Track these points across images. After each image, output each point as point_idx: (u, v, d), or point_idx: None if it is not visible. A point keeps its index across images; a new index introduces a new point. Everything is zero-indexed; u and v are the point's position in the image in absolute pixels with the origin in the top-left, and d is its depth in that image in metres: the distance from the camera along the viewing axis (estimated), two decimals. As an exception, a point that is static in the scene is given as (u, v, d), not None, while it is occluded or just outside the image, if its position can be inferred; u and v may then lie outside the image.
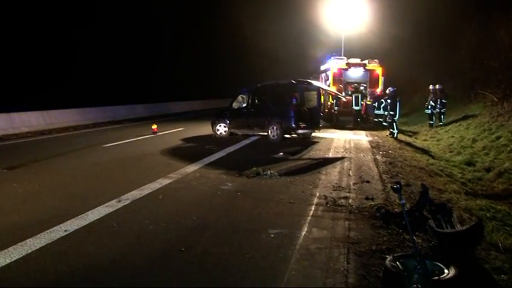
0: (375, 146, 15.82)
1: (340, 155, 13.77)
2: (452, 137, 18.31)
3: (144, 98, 33.55)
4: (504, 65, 19.91)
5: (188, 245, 5.83)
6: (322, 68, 28.66)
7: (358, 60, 24.83)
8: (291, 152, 14.36)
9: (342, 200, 8.12)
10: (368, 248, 5.71)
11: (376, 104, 22.01)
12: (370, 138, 18.40)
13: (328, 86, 24.28)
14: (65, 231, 6.31)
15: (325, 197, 8.29)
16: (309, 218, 7.10)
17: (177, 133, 20.08)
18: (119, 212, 7.33)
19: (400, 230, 6.36)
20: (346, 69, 24.60)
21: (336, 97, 23.36)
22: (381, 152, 14.28)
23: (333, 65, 24.79)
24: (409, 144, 17.56)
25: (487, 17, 22.38)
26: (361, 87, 24.00)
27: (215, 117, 19.07)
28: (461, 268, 4.66)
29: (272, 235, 6.26)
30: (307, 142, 17.21)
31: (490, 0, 22.66)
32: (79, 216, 6.99)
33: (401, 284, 4.23)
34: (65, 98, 29.90)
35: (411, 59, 33.52)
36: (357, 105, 23.11)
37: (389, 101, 19.54)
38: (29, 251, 5.56)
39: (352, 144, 16.50)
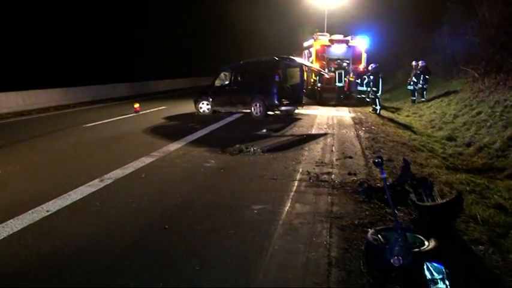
0: (357, 122, 15.90)
1: (323, 131, 13.83)
2: (434, 112, 18.47)
3: (126, 77, 33.09)
4: (485, 41, 20.02)
5: (172, 222, 5.84)
6: (305, 44, 28.53)
7: (341, 37, 24.74)
8: (274, 128, 14.39)
9: (325, 176, 8.18)
10: (350, 222, 5.78)
11: (359, 81, 22.05)
12: (353, 115, 18.48)
13: (311, 62, 24.22)
14: (47, 211, 6.25)
15: (308, 173, 8.35)
16: (292, 193, 7.15)
17: (160, 112, 19.91)
18: (102, 191, 7.28)
19: (382, 204, 6.45)
20: (329, 46, 24.50)
21: (319, 74, 23.32)
22: (363, 128, 14.37)
23: (316, 42, 24.69)
24: (391, 120, 17.69)
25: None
26: (344, 64, 24.01)
27: (198, 95, 18.91)
28: (441, 240, 4.76)
29: (255, 211, 6.30)
30: (290, 119, 17.24)
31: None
32: (61, 196, 6.92)
33: (382, 256, 4.29)
34: (44, 78, 29.34)
35: (394, 35, 33.55)
36: (340, 81, 23.13)
37: (371, 77, 19.60)
38: (11, 232, 5.51)
39: (335, 121, 16.57)
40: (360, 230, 5.51)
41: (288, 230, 5.57)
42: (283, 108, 17.57)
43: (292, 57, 19.03)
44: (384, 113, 19.49)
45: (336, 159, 9.62)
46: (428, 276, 4.01)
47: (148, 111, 20.06)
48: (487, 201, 7.18)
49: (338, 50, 24.53)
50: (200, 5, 63.85)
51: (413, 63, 22.45)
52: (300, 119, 17.25)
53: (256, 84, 17.31)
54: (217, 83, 18.54)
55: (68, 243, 5.15)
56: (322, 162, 9.35)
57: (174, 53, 56.32)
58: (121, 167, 8.74)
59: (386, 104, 22.85)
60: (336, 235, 5.37)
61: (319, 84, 24.03)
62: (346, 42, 24.40)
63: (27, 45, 39.57)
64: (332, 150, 10.67)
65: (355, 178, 7.92)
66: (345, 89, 23.56)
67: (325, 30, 30.11)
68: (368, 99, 20.67)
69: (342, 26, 32.67)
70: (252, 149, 10.56)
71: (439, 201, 5.96)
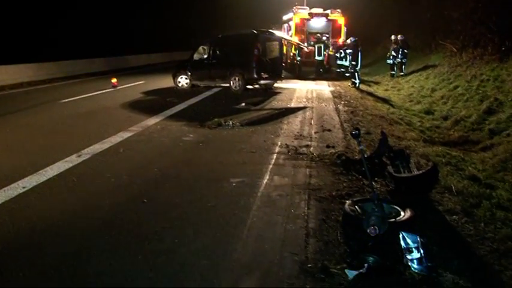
0: (336, 96, 15.95)
1: (302, 105, 13.86)
2: (413, 86, 18.64)
3: (103, 52, 32.39)
4: (464, 16, 20.13)
5: (150, 196, 5.82)
6: (285, 18, 28.33)
7: (320, 10, 24.60)
8: (253, 102, 14.37)
9: (304, 148, 8.23)
10: (328, 194, 5.84)
11: (338, 54, 22.02)
12: (332, 88, 18.50)
13: (291, 36, 24.08)
14: (23, 188, 6.15)
15: (287, 146, 8.39)
16: (271, 166, 7.19)
17: (138, 86, 19.62)
18: (79, 166, 7.20)
19: (360, 176, 6.53)
20: (308, 20, 24.36)
21: (298, 47, 23.22)
22: (342, 102, 14.42)
23: (295, 15, 24.52)
24: (370, 94, 17.79)
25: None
26: (324, 38, 23.89)
27: (176, 69, 18.62)
28: (417, 210, 4.85)
29: (234, 184, 6.32)
30: (270, 93, 17.22)
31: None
32: (38, 172, 6.81)
33: (359, 226, 4.36)
34: (16, 53, 28.37)
35: (374, 9, 33.49)
36: (319, 55, 23.06)
37: (351, 51, 19.59)
38: (-15, 209, 5.43)
39: (314, 94, 16.59)
40: (337, 201, 5.58)
41: (266, 202, 5.61)
42: (262, 82, 17.47)
43: (271, 31, 18.89)
44: (362, 86, 19.57)
45: (315, 132, 9.68)
46: (404, 245, 4.10)
47: (126, 86, 19.76)
48: (461, 172, 7.33)
49: (317, 24, 24.43)
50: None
51: (393, 37, 22.49)
52: (279, 92, 17.23)
53: (235, 58, 17.13)
54: (196, 57, 18.28)
55: (45, 219, 5.10)
56: (300, 135, 9.40)
57: (152, 28, 55.36)
58: (99, 142, 8.64)
59: (365, 78, 22.92)
60: (313, 207, 5.43)
61: (298, 58, 23.96)
62: (326, 16, 24.29)
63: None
64: (311, 124, 10.72)
65: (334, 151, 7.98)
66: (324, 63, 23.51)
67: (305, 3, 29.84)
68: (347, 73, 20.69)
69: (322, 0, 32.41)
70: (231, 123, 10.55)
71: (416, 172, 6.05)
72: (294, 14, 24.54)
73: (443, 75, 17.76)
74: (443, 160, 7.96)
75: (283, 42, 19.21)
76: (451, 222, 5.10)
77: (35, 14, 41.57)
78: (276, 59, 18.25)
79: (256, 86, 17.75)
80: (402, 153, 6.77)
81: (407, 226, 4.39)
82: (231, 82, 17.13)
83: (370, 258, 4.02)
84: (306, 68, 23.74)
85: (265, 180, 6.46)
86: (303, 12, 24.69)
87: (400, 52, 21.90)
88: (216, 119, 10.66)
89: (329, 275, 3.82)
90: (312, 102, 14.51)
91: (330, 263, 4.03)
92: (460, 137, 10.75)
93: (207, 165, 7.26)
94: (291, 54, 24.71)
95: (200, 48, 18.33)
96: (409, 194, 5.70)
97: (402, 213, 4.70)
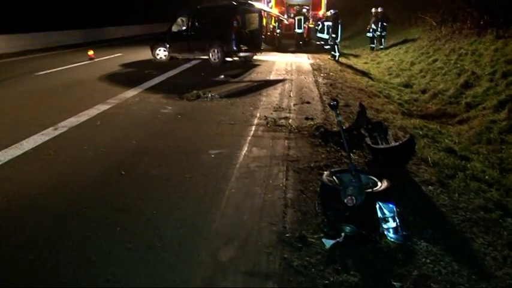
0: (316, 69, 15.93)
1: (281, 77, 13.82)
2: (392, 60, 18.71)
3: (79, 23, 31.59)
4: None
5: (128, 168, 5.80)
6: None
7: (300, -18, 24.41)
8: (232, 74, 14.28)
9: (282, 120, 8.25)
10: (306, 165, 5.89)
11: (318, 27, 21.92)
12: (311, 61, 18.46)
13: (270, 8, 23.86)
14: (-2, 161, 6.09)
15: (266, 118, 8.40)
16: (249, 138, 7.20)
17: (115, 59, 19.31)
18: (56, 139, 7.11)
19: (338, 148, 6.59)
20: (288, -9, 24.18)
21: (278, 20, 23.06)
22: (322, 74, 14.42)
23: None
24: (350, 66, 17.81)
25: None
26: (304, 10, 23.74)
27: (154, 41, 18.29)
28: (393, 181, 4.93)
29: (212, 155, 6.33)
30: (249, 65, 17.12)
31: None
32: (13, 146, 6.70)
33: (337, 196, 4.42)
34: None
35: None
36: (299, 28, 22.93)
37: (330, 23, 19.50)
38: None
39: (293, 67, 16.55)
40: (315, 172, 5.63)
41: (244, 174, 5.64)
42: (241, 54, 17.33)
43: (250, 2, 18.67)
44: (342, 59, 19.57)
45: (294, 105, 9.69)
46: (380, 215, 4.19)
47: (103, 58, 19.42)
48: (438, 145, 7.45)
49: (298, -4, 24.23)
50: None
51: (373, 10, 22.46)
52: (259, 65, 17.14)
53: (214, 30, 16.91)
54: (174, 28, 17.97)
55: (21, 193, 5.04)
56: (279, 107, 9.40)
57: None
58: (76, 115, 8.52)
59: (345, 51, 22.91)
60: (292, 178, 5.48)
61: (278, 31, 23.78)
62: (306, -13, 24.10)
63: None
64: (290, 96, 10.72)
65: (312, 123, 8.01)
66: (304, 36, 23.41)
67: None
68: (327, 46, 20.64)
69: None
70: (210, 95, 10.50)
71: (393, 144, 6.12)
72: (274, -15, 24.29)
73: (423, 49, 17.86)
74: (421, 132, 8.07)
75: (262, 14, 19.04)
76: (427, 192, 5.20)
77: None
78: (256, 31, 18.11)
79: (236, 58, 17.60)
80: (380, 125, 6.85)
81: (384, 196, 4.47)
82: (210, 54, 16.96)
83: (347, 228, 4.09)
84: (286, 41, 23.63)
85: (244, 152, 6.47)
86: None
87: (380, 25, 21.92)
88: (194, 91, 10.60)
89: (306, 244, 3.88)
90: (292, 74, 14.48)
91: (308, 232, 4.09)
92: (438, 110, 10.88)
93: (186, 137, 7.24)
94: (271, 26, 24.50)
95: (179, 19, 18.02)
96: (386, 165, 5.78)
97: (379, 184, 4.79)
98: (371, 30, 22.43)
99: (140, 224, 4.28)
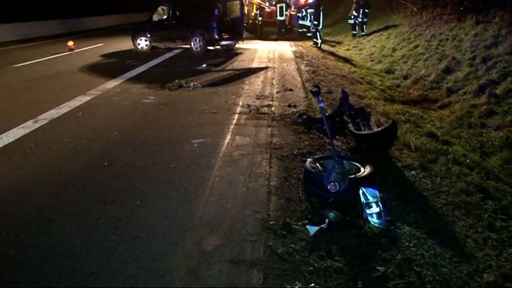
0: (298, 56, 15.93)
1: (263, 65, 13.80)
2: (374, 46, 18.74)
3: (58, 13, 31.02)
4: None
5: (111, 159, 5.76)
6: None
7: (282, -32, 24.29)
8: (214, 63, 14.22)
9: (265, 108, 8.25)
10: (290, 153, 5.90)
11: (300, 14, 21.87)
12: (294, 49, 18.46)
13: (252, -5, 23.79)
14: (-23, 155, 5.98)
15: (248, 106, 8.39)
16: (232, 126, 7.19)
17: (96, 49, 19.06)
18: (36, 132, 7.01)
19: (321, 135, 6.62)
20: (269, -22, 24.08)
21: (259, 7, 22.98)
22: (304, 62, 14.42)
23: None
24: (332, 53, 17.81)
25: None
26: (285, -3, 23.71)
27: (135, 31, 18.12)
28: (376, 166, 4.97)
29: (195, 145, 6.31)
30: (231, 53, 17.05)
31: None
32: (-8, 139, 6.62)
33: (320, 183, 4.44)
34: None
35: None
36: (281, 15, 22.89)
37: (312, 10, 19.45)
38: None
39: (276, 55, 16.53)
40: (299, 159, 5.64)
41: (228, 162, 5.64)
42: (223, 42, 17.28)
43: (231, -10, 18.57)
44: (324, 46, 19.56)
45: (276, 92, 9.69)
46: (363, 200, 4.22)
47: (84, 49, 19.14)
48: (420, 130, 7.51)
49: (279, -17, 24.12)
50: None
51: (354, -4, 22.44)
52: (241, 53, 17.09)
53: (195, 19, 16.80)
54: (155, 17, 17.78)
55: (2, 187, 4.97)
56: (262, 95, 9.39)
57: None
58: (56, 107, 8.40)
59: (327, 38, 22.88)
60: (275, 165, 5.48)
61: (260, 18, 23.72)
62: (287, -26, 24.01)
63: None
64: (272, 84, 10.71)
65: (295, 110, 8.02)
66: (286, 23, 23.40)
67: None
68: (309, 33, 20.61)
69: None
70: (192, 84, 10.46)
71: (375, 130, 6.15)
72: (255, -28, 24.15)
73: (404, 35, 17.90)
74: (403, 118, 8.12)
75: (244, 2, 18.94)
76: (409, 177, 5.25)
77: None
78: (237, 19, 18.01)
79: (218, 46, 17.56)
80: (363, 111, 6.87)
81: (367, 182, 4.50)
82: (192, 43, 16.87)
83: (331, 214, 4.12)
84: (268, 28, 23.60)
85: (227, 140, 6.46)
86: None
87: (361, 12, 21.92)
88: (176, 81, 10.54)
89: (291, 232, 3.90)
90: (274, 62, 14.46)
91: (292, 219, 4.10)
92: (420, 95, 10.94)
93: (168, 127, 7.19)
94: (253, 14, 24.40)
95: (159, 8, 17.82)
96: (369, 150, 5.83)
97: (362, 170, 4.82)
98: (352, 17, 22.41)
99: (124, 215, 4.26)
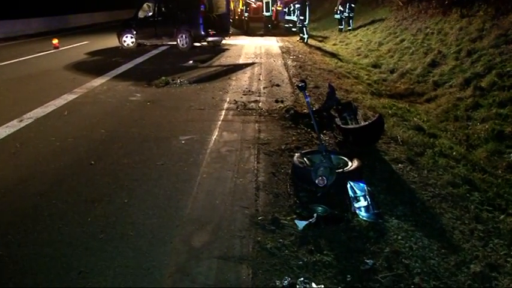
0: (285, 51, 15.95)
1: (250, 61, 13.81)
2: (360, 41, 18.82)
3: (42, 11, 30.62)
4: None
5: (98, 157, 5.72)
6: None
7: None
8: (201, 59, 14.21)
9: (252, 104, 8.26)
10: (277, 148, 5.91)
11: (286, 10, 21.87)
12: (280, 44, 18.47)
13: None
14: (-37, 155, 5.90)
15: (236, 102, 8.40)
16: (220, 122, 7.18)
17: (81, 47, 18.84)
18: (22, 131, 6.93)
19: (309, 129, 6.64)
20: (255, -26, 24.03)
21: (246, 3, 22.95)
22: (291, 57, 14.44)
23: None
24: (318, 48, 17.85)
25: None
26: (271, -8, 23.68)
27: (121, 28, 17.97)
28: (364, 160, 4.99)
29: (183, 141, 6.29)
30: (218, 49, 17.02)
31: None
32: (-23, 139, 6.53)
33: (308, 177, 4.46)
34: None
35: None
36: (267, 11, 22.89)
37: (299, 5, 19.46)
38: None
39: (262, 50, 16.53)
40: (286, 154, 5.66)
41: (215, 158, 5.63)
42: (210, 39, 17.25)
43: (217, -15, 18.52)
44: (311, 41, 19.60)
45: (263, 88, 9.71)
46: (351, 194, 4.23)
47: (69, 47, 18.95)
48: (407, 123, 7.55)
49: (265, -22, 24.08)
50: None
51: (341, -9, 22.46)
52: (227, 49, 17.06)
53: (181, 15, 16.76)
54: (141, 14, 17.66)
55: (-12, 186, 4.93)
56: (249, 91, 9.41)
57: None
58: (42, 106, 8.31)
59: (313, 33, 22.93)
60: (263, 161, 5.49)
61: (246, 14, 23.68)
62: (273, -31, 23.96)
63: None
64: (259, 79, 10.73)
65: (282, 105, 8.04)
66: (273, 19, 23.39)
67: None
68: (295, 29, 20.63)
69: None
70: (179, 81, 10.44)
71: (362, 124, 6.18)
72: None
73: (390, 29, 17.99)
74: (390, 112, 8.16)
75: (230, -3, 18.91)
76: (397, 170, 5.28)
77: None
78: (224, 15, 17.99)
79: (204, 43, 17.53)
80: (350, 105, 6.89)
81: (354, 176, 4.52)
82: (178, 40, 16.83)
83: (319, 208, 4.14)
84: (254, 24, 23.56)
85: (215, 137, 6.46)
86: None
87: (348, 7, 21.95)
88: (163, 78, 10.50)
89: (279, 227, 3.91)
90: (261, 58, 14.47)
91: (280, 214, 4.11)
92: (406, 89, 11.01)
93: (155, 124, 7.16)
94: (239, 10, 24.37)
95: (145, 5, 17.70)
96: (357, 144, 5.85)
97: (350, 164, 4.84)
98: (339, 11, 22.45)
99: (112, 213, 4.24)
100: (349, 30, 21.98)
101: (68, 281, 3.27)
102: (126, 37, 17.66)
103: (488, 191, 5.14)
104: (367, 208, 4.05)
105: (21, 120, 7.42)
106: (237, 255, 3.51)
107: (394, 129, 6.86)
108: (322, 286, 3.16)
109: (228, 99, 8.67)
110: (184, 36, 16.67)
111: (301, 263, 3.41)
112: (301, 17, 19.13)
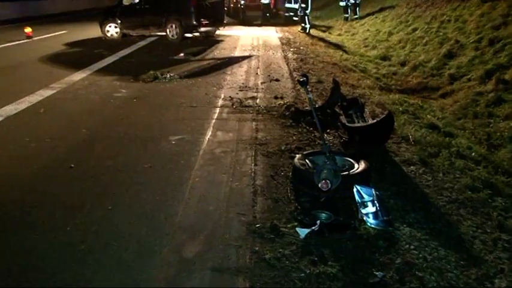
0: (285, 43, 16.01)
1: (247, 54, 13.87)
2: (368, 30, 18.84)
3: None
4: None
5: (78, 160, 5.70)
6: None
7: None
8: (193, 52, 14.23)
9: (249, 101, 8.30)
10: (277, 149, 5.93)
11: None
12: (280, 35, 18.53)
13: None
14: None
15: (231, 98, 8.43)
16: (214, 121, 7.20)
17: (59, 37, 18.83)
18: (-11, 132, 6.91)
19: (311, 128, 6.66)
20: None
21: (242, -11, 22.99)
22: (291, 49, 14.49)
23: None
24: (322, 39, 17.90)
25: None
26: (270, -22, 23.72)
27: (104, 17, 17.86)
28: (372, 162, 5.00)
29: (173, 142, 6.30)
30: (211, 41, 17.06)
31: None
32: None
33: (310, 181, 4.46)
34: None
35: None
36: (265, -2, 22.91)
37: (300, -8, 19.51)
38: None
39: (260, 42, 16.58)
40: (286, 156, 5.68)
41: (209, 160, 5.64)
42: (202, 29, 17.23)
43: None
44: (313, 32, 19.65)
45: (261, 83, 9.75)
46: (358, 199, 4.24)
47: (44, 36, 18.88)
48: (420, 121, 7.56)
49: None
50: None
51: (346, -24, 22.50)
52: (222, 40, 17.11)
53: (170, 3, 16.75)
54: (126, 1, 17.53)
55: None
56: (246, 86, 9.45)
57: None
58: (13, 103, 8.24)
59: (316, 23, 23.00)
60: (261, 163, 5.51)
61: (242, 2, 23.69)
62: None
63: None
64: (257, 74, 10.78)
65: (282, 102, 8.06)
66: (271, 7, 23.40)
67: None
68: (296, 18, 20.66)
69: None
70: (169, 75, 10.46)
71: (370, 122, 6.19)
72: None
73: (401, 17, 18.00)
74: (401, 108, 8.18)
75: (224, -17, 18.93)
76: (408, 173, 5.29)
77: None
78: (218, 3, 18.01)
79: (196, 34, 17.51)
80: (356, 102, 6.92)
81: (361, 179, 4.54)
82: (168, 30, 16.83)
83: (323, 215, 4.15)
84: (251, 13, 23.57)
85: (208, 137, 6.48)
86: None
87: (354, -8, 22.01)
88: (151, 72, 10.51)
89: (279, 235, 3.91)
90: (258, 50, 14.53)
91: (280, 222, 4.12)
92: (419, 83, 11.02)
93: (143, 123, 7.17)
94: (234, -3, 24.43)
95: (131, -9, 17.70)
96: (364, 145, 5.86)
97: (356, 166, 4.85)
98: (344, -2, 22.50)
99: (94, 221, 4.22)
100: (356, 18, 22.02)
101: (43, 299, 3.26)
102: (110, 27, 17.60)
103: (513, 196, 5.11)
104: (375, 214, 4.06)
105: (-13, 119, 7.38)
106: (233, 266, 3.51)
107: (405, 127, 6.88)
108: (327, 300, 3.17)
109: (222, 96, 8.70)
110: (174, 26, 16.67)
111: (303, 275, 3.42)
112: (303, 5, 19.16)
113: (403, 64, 12.90)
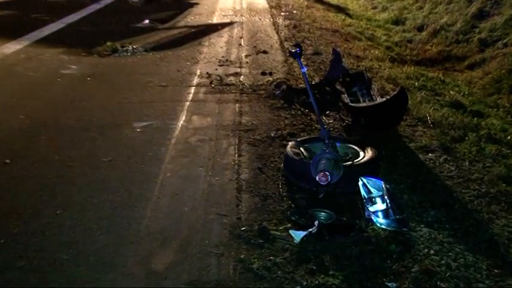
0: (274, 6, 15.97)
1: (228, 20, 13.84)
2: (377, -13, 18.82)
3: None
4: None
5: (15, 154, 5.60)
6: None
7: None
8: (161, 18, 14.12)
9: (231, 78, 8.30)
10: (265, 136, 5.96)
11: None
12: (268, -4, 18.48)
13: None
14: None
15: (209, 75, 8.42)
16: (188, 103, 7.21)
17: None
18: None
19: (306, 110, 6.67)
20: None
21: None
22: (282, 14, 14.48)
23: None
24: (320, 1, 17.86)
25: None
26: None
27: None
28: (381, 149, 5.03)
29: (138, 130, 6.29)
30: (183, 4, 16.90)
31: None
32: None
33: (306, 173, 4.48)
34: None
35: None
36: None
37: None
38: None
39: (244, 5, 16.53)
40: (277, 144, 5.71)
41: (183, 151, 5.65)
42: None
43: None
44: (309, -9, 19.60)
45: (246, 56, 9.77)
46: (364, 194, 4.26)
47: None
48: (440, 98, 7.60)
49: None
50: None
51: None
52: (197, 4, 16.99)
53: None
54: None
55: None
56: (227, 60, 9.45)
57: None
58: None
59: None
60: (246, 152, 5.54)
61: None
62: None
63: None
64: (240, 44, 10.78)
65: (271, 79, 8.08)
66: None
67: None
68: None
69: None
70: (131, 48, 10.40)
71: (378, 100, 6.20)
72: None
73: (418, -30, 17.99)
74: (417, 84, 8.21)
75: None
76: (426, 162, 5.34)
77: None
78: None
79: (164, -5, 17.44)
80: (362, 77, 6.93)
81: (368, 170, 4.56)
82: (128, -10, 16.71)
83: (322, 214, 4.17)
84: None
85: (181, 122, 6.48)
86: None
87: None
88: (109, 43, 10.43)
89: (269, 239, 3.93)
90: (242, 15, 14.50)
91: (270, 223, 4.15)
92: (440, 52, 11.04)
93: (100, 107, 7.12)
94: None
95: None
96: (371, 128, 5.89)
97: (361, 154, 4.88)
98: None
99: (37, 230, 4.14)
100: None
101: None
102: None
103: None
104: (385, 213, 4.08)
105: None
106: (213, 279, 3.53)
107: (422, 106, 6.91)
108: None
109: (198, 72, 8.69)
110: (136, -15, 16.59)
111: (299, 287, 3.46)
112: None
113: (420, 29, 12.90)
